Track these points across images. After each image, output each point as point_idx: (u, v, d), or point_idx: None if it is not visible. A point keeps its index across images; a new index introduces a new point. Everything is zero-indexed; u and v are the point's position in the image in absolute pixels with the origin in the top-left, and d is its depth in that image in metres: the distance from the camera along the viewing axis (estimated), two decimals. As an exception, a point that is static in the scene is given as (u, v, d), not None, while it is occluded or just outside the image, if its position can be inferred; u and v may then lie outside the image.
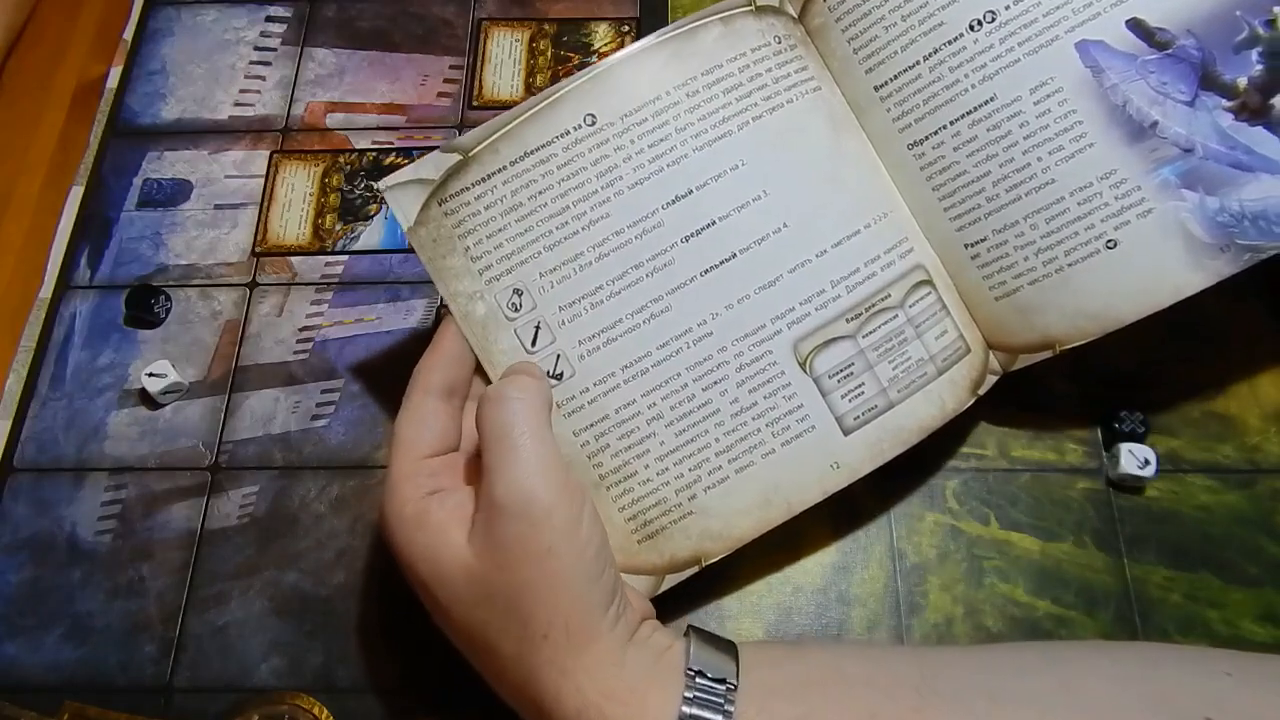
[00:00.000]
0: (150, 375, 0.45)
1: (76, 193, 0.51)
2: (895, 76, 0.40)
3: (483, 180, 0.37)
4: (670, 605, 0.40)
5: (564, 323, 0.37)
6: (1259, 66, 0.36)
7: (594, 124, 0.37)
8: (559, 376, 0.37)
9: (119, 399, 0.46)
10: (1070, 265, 0.38)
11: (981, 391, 0.40)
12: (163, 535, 0.43)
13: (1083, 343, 0.38)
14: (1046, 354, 0.39)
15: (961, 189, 0.39)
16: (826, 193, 0.39)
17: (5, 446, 0.45)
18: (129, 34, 0.55)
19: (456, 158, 0.37)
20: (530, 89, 0.53)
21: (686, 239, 0.37)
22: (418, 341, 0.46)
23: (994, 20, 0.38)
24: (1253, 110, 0.36)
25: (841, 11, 0.40)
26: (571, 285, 0.37)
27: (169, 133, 0.53)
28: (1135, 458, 0.41)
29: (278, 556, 0.42)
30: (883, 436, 0.38)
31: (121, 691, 0.40)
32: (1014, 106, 0.38)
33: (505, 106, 0.52)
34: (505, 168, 0.37)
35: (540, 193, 0.37)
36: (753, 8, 0.40)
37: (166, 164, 0.52)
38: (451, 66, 0.54)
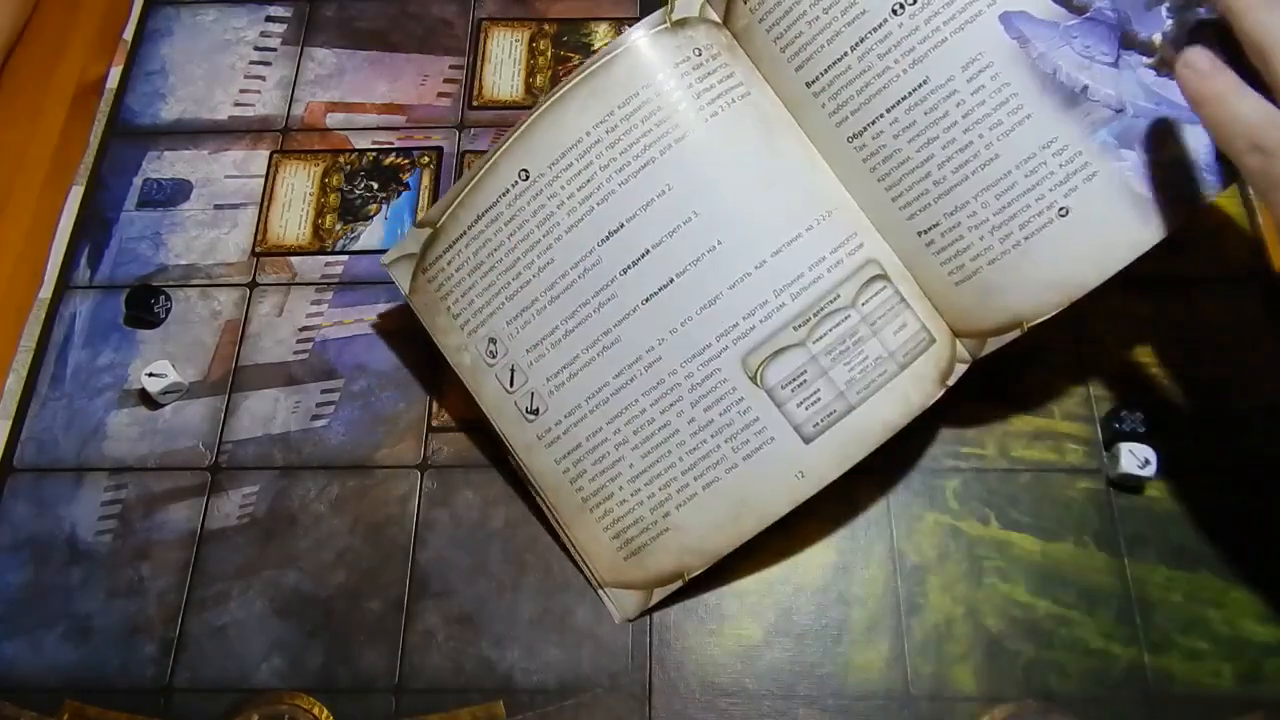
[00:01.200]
0: (150, 375, 0.45)
1: (76, 193, 0.51)
2: (825, 70, 0.40)
3: (449, 247, 0.41)
4: (670, 604, 0.41)
5: (532, 363, 0.40)
6: (1169, 21, 0.37)
7: (528, 178, 0.39)
8: (535, 412, 0.41)
9: (119, 399, 0.46)
10: (1027, 239, 0.38)
11: (950, 382, 0.40)
12: (163, 535, 0.43)
13: (1050, 315, 0.38)
14: (1015, 333, 0.39)
15: (907, 176, 0.39)
16: (761, 201, 0.39)
17: (5, 446, 0.45)
18: (129, 34, 0.55)
19: (428, 231, 0.42)
20: (530, 89, 0.53)
21: (624, 271, 0.39)
22: (418, 341, 0.46)
23: (915, 2, 0.38)
24: (1171, 64, 0.36)
25: (764, 11, 0.40)
26: (533, 329, 0.40)
27: (169, 133, 0.53)
28: (1135, 458, 0.41)
29: (278, 556, 0.42)
30: (846, 440, 0.38)
31: (121, 692, 0.40)
32: (948, 87, 0.38)
33: (505, 106, 0.53)
34: (465, 232, 0.41)
35: (495, 250, 0.40)
36: (668, 25, 0.40)
37: (166, 164, 0.52)
38: (451, 66, 0.54)
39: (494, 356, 0.41)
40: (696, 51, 0.40)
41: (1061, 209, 0.37)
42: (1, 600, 0.42)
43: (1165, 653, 0.39)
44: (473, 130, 0.52)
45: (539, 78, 0.53)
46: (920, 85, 0.38)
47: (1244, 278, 0.46)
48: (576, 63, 0.54)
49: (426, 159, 0.51)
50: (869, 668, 0.39)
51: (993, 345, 0.39)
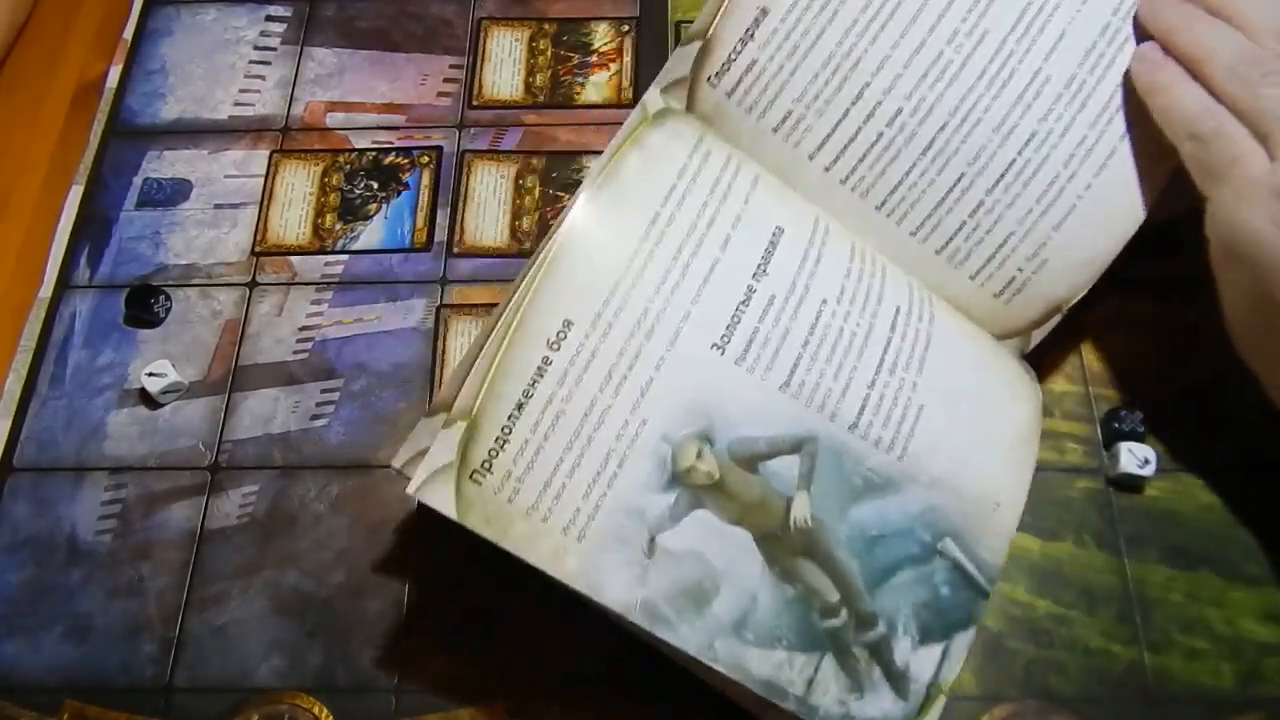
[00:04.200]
0: (150, 375, 0.45)
1: (76, 192, 0.51)
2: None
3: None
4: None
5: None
6: None
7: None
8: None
9: (119, 399, 0.46)
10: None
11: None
12: (163, 535, 0.43)
13: (1085, 292, 0.39)
14: (1057, 318, 0.39)
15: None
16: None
17: (5, 446, 0.45)
18: (129, 33, 0.55)
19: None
20: (530, 88, 0.53)
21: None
22: (418, 341, 0.46)
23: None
24: None
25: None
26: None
27: (169, 132, 0.53)
28: (1135, 457, 0.41)
29: (278, 556, 0.42)
30: None
31: (121, 691, 0.40)
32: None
33: (505, 106, 0.53)
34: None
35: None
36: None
37: (166, 163, 0.52)
38: (451, 66, 0.54)
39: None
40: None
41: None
42: (1, 600, 0.42)
43: (1165, 652, 0.39)
44: (473, 130, 0.52)
45: (539, 77, 0.53)
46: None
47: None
48: (576, 63, 0.54)
49: (426, 158, 0.51)
50: (869, 667, 0.39)
51: (1037, 338, 0.40)
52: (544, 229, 0.49)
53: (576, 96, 0.53)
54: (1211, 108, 0.35)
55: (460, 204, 0.50)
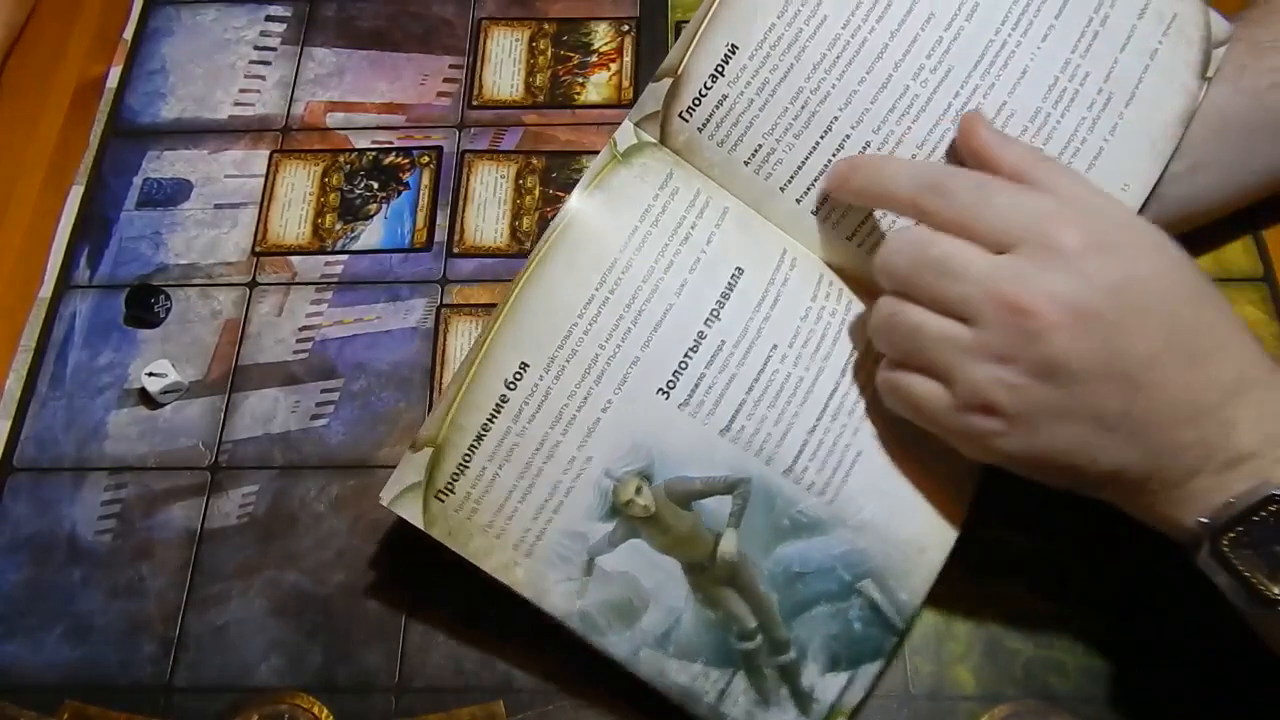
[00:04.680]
0: (150, 375, 0.45)
1: (76, 193, 0.51)
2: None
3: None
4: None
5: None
6: None
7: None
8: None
9: (119, 399, 0.46)
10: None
11: None
12: (163, 535, 0.43)
13: None
14: None
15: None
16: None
17: (5, 446, 0.45)
18: (129, 33, 0.55)
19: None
20: (530, 88, 0.53)
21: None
22: (418, 341, 0.46)
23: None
24: None
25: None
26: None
27: (169, 132, 0.53)
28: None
29: (278, 556, 0.42)
30: None
31: (121, 691, 0.40)
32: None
33: (505, 106, 0.53)
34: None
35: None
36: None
37: (166, 163, 0.52)
38: (451, 66, 0.54)
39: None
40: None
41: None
42: (1, 600, 0.42)
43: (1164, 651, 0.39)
44: (473, 130, 0.52)
45: (539, 77, 0.53)
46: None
47: (1244, 278, 0.46)
48: (576, 62, 0.54)
49: (426, 158, 0.51)
50: (869, 667, 0.39)
51: None
52: (544, 229, 0.49)
53: (576, 96, 0.53)
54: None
55: (460, 204, 0.50)
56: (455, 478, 0.37)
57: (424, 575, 0.41)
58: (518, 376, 0.37)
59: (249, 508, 0.43)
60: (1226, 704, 0.38)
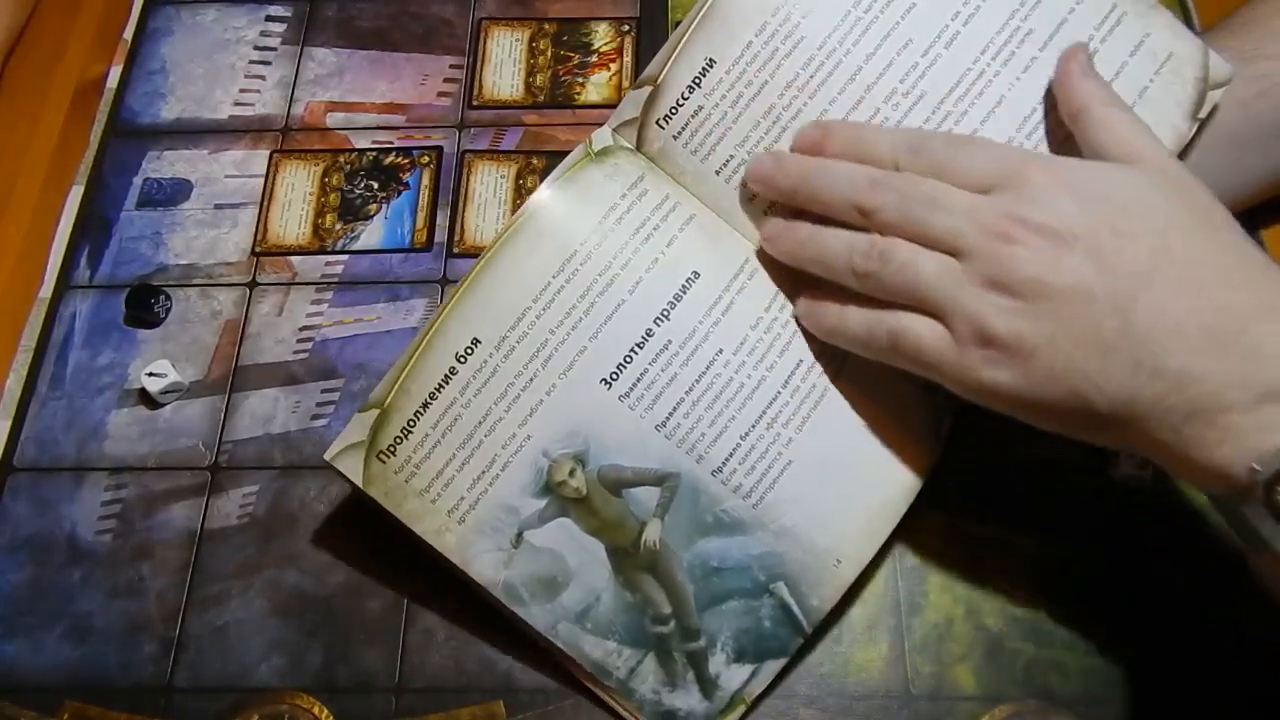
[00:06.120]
0: (150, 375, 0.45)
1: (76, 193, 0.51)
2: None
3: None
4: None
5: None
6: None
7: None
8: None
9: (119, 399, 0.46)
10: None
11: None
12: (163, 535, 0.43)
13: None
14: None
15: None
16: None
17: (5, 446, 0.45)
18: (129, 33, 0.55)
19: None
20: (530, 88, 0.53)
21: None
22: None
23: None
24: None
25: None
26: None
27: (169, 132, 0.53)
28: (1135, 457, 0.41)
29: (278, 556, 0.42)
30: None
31: (121, 691, 0.40)
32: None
33: (505, 106, 0.53)
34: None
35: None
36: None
37: (166, 164, 0.52)
38: (451, 66, 0.54)
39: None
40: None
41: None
42: (1, 600, 0.42)
43: (1164, 651, 0.39)
44: (473, 130, 0.52)
45: (539, 77, 0.53)
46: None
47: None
48: (576, 62, 0.54)
49: (426, 158, 0.51)
50: (869, 667, 0.39)
51: None
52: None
53: (576, 96, 0.53)
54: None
55: (460, 204, 0.50)
56: (398, 441, 0.38)
57: (424, 575, 0.41)
58: (469, 351, 0.38)
59: (249, 508, 0.43)
60: (1227, 704, 0.38)
